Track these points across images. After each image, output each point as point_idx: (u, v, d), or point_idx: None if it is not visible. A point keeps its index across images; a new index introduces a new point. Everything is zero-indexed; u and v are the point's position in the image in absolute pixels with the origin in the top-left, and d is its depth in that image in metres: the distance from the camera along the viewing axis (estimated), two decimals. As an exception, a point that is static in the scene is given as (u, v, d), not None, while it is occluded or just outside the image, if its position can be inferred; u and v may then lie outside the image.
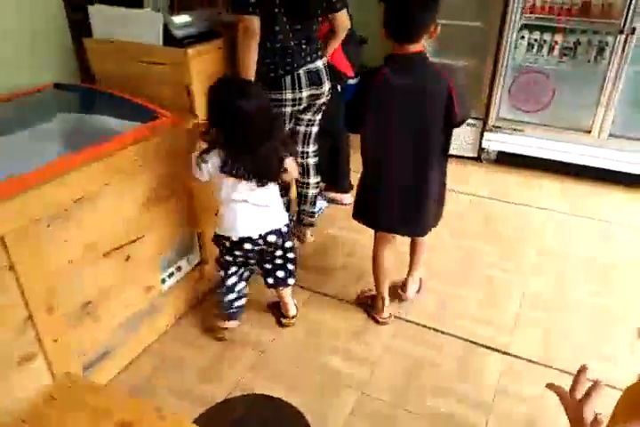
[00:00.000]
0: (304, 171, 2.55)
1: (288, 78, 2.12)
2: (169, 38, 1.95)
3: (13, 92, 1.94)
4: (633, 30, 2.87)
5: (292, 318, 2.14)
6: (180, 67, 1.91)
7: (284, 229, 1.90)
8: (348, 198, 3.07)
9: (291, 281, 2.05)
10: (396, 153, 1.82)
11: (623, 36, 2.91)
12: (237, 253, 1.88)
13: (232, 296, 1.99)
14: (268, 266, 2.00)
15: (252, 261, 1.97)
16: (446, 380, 1.87)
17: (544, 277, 2.43)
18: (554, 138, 3.27)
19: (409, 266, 2.26)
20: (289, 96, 2.15)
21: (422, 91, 1.70)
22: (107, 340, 1.82)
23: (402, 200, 1.89)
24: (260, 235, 1.83)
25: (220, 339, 2.05)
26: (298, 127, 2.40)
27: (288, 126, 2.30)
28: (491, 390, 1.82)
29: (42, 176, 1.45)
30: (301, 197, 2.62)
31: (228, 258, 1.92)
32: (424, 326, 2.12)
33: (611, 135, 3.14)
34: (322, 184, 2.83)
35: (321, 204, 2.95)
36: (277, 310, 2.17)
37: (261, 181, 1.74)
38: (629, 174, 3.14)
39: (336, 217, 2.92)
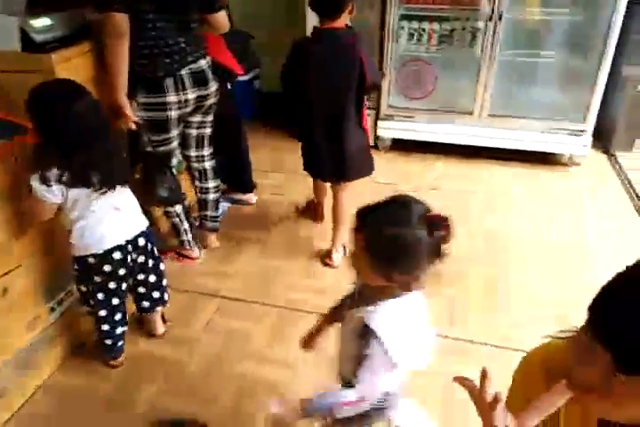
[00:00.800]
0: (201, 175, 2.48)
1: (170, 80, 2.03)
2: (29, 44, 1.79)
3: None
4: (500, 17, 3.07)
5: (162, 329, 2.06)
6: (44, 74, 1.76)
7: (147, 231, 1.80)
8: (253, 198, 3.04)
9: (167, 298, 1.97)
10: (317, 109, 2.22)
11: (492, 23, 3.10)
12: (105, 269, 1.69)
13: (109, 342, 1.85)
14: (142, 289, 1.89)
15: (117, 285, 1.77)
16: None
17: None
18: (441, 121, 3.44)
19: (332, 234, 2.47)
20: (173, 99, 2.06)
21: (336, 57, 2.11)
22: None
23: (327, 151, 2.29)
24: (128, 240, 1.71)
25: (114, 366, 1.92)
26: (189, 131, 2.32)
27: (177, 131, 2.21)
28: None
29: None
30: (202, 203, 2.54)
31: (87, 286, 1.75)
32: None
33: (490, 115, 3.35)
34: (222, 186, 2.77)
35: (223, 206, 2.89)
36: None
37: (113, 185, 1.60)
38: (508, 150, 3.37)
39: (241, 218, 2.88)
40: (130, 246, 1.73)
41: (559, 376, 0.71)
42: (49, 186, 1.49)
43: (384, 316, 1.04)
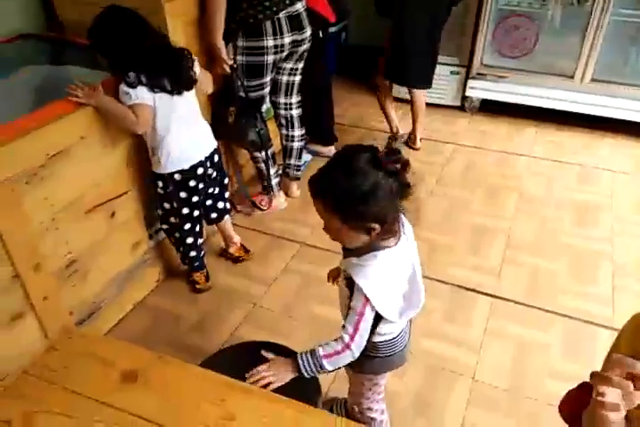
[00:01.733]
0: (288, 123, 2.49)
1: (268, 23, 2.02)
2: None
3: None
4: (618, -30, 2.80)
5: (243, 251, 2.21)
6: (152, 10, 1.79)
7: (217, 148, 1.90)
8: (333, 151, 3.03)
9: (229, 207, 2.11)
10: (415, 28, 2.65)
11: (608, -23, 2.83)
12: (190, 184, 1.80)
13: (194, 253, 2.00)
14: (209, 202, 1.99)
15: (198, 199, 1.87)
16: (437, 324, 1.91)
17: (527, 221, 2.46)
18: (537, 84, 3.23)
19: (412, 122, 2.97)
20: (270, 43, 2.06)
21: None
22: (97, 296, 1.80)
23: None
24: (206, 156, 1.83)
25: (199, 291, 2.06)
26: (280, 77, 2.32)
27: (271, 76, 2.22)
28: (480, 332, 1.88)
29: (13, 132, 1.37)
30: (287, 151, 2.57)
31: (171, 203, 1.84)
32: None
33: (593, 80, 3.11)
34: (306, 137, 2.78)
35: (306, 157, 2.90)
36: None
37: (184, 86, 1.68)
38: (611, 119, 3.14)
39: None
40: (208, 162, 1.84)
41: None
42: (134, 87, 1.58)
43: (368, 269, 1.05)
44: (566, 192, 2.68)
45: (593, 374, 0.71)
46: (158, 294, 2.07)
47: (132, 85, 1.57)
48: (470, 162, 2.96)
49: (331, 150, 3.02)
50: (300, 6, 2.10)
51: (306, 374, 1.06)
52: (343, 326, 1.08)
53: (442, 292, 2.06)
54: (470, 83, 3.39)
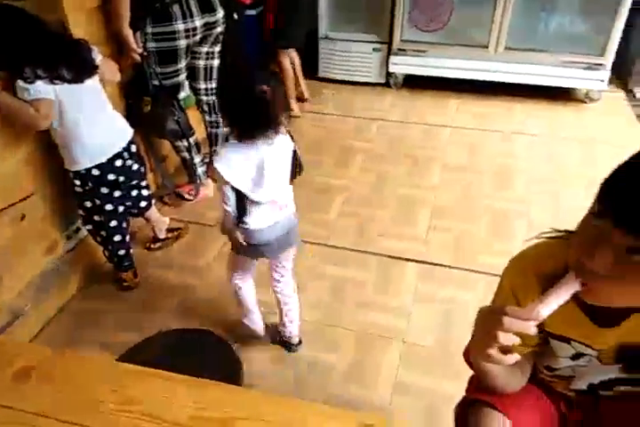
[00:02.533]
0: (210, 109, 2.47)
1: (176, 7, 1.99)
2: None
3: None
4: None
5: (173, 234, 2.22)
6: (50, 4, 1.74)
7: (133, 139, 1.86)
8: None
9: (153, 196, 2.10)
10: None
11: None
12: (110, 178, 1.75)
13: (122, 251, 1.95)
14: (135, 192, 1.95)
15: (121, 193, 1.83)
16: (368, 294, 1.99)
17: (451, 189, 2.56)
18: (455, 56, 3.33)
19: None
20: (181, 27, 2.03)
21: None
22: (15, 302, 1.74)
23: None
24: (124, 148, 1.79)
25: (128, 288, 2.02)
26: (197, 62, 2.29)
27: (186, 62, 2.19)
28: (409, 298, 1.96)
29: None
30: (212, 137, 2.55)
31: (93, 201, 1.80)
32: (345, 249, 2.21)
33: (507, 48, 3.23)
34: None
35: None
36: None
37: (83, 72, 1.63)
38: (526, 85, 3.28)
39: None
40: (126, 153, 1.80)
41: (555, 277, 0.72)
42: (32, 82, 1.52)
43: (223, 153, 1.41)
44: (486, 158, 2.80)
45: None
46: (83, 296, 2.02)
47: (29, 81, 1.52)
48: (397, 136, 3.04)
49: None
50: (208, -13, 2.08)
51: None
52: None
53: (372, 263, 2.13)
54: (392, 59, 3.46)
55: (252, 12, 3.70)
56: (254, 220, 1.48)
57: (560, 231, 0.82)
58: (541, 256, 0.83)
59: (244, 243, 1.50)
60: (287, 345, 1.78)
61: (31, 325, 1.84)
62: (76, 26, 1.82)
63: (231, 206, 1.43)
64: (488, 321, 0.72)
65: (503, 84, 3.30)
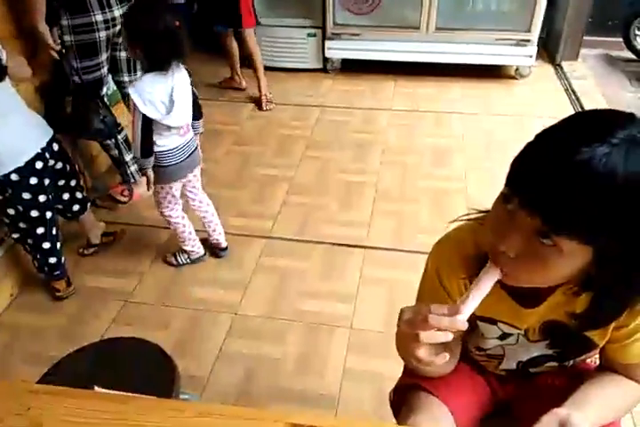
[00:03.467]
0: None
1: None
2: None
3: None
4: None
5: (108, 239, 2.15)
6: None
7: (56, 136, 1.77)
8: (200, 127, 2.95)
9: (88, 198, 2.04)
10: None
11: None
12: (32, 182, 1.65)
13: (53, 259, 1.85)
14: (66, 196, 1.87)
15: (46, 197, 1.73)
16: (315, 283, 1.98)
17: (392, 172, 2.58)
18: (388, 39, 3.34)
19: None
20: (99, 18, 1.94)
21: None
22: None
23: None
24: (43, 148, 1.69)
25: (61, 298, 1.93)
26: (118, 53, 2.18)
27: (107, 54, 2.09)
28: (354, 283, 1.98)
29: None
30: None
31: (16, 208, 1.69)
32: (290, 240, 2.20)
33: (437, 28, 3.26)
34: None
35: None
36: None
37: None
38: (459, 65, 3.33)
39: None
40: (47, 153, 1.70)
41: (477, 259, 0.72)
42: None
43: (138, 84, 1.61)
44: (424, 139, 2.83)
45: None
46: (15, 308, 1.91)
47: None
48: (337, 122, 3.03)
49: (198, 126, 2.94)
50: (123, -26, 1.99)
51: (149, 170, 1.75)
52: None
53: (317, 252, 2.13)
54: (327, 44, 3.43)
55: (181, 1, 3.58)
56: (165, 142, 1.73)
57: (482, 212, 0.82)
58: (463, 239, 0.83)
59: (164, 165, 1.74)
60: (216, 252, 2.10)
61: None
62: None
63: (140, 134, 1.64)
64: (412, 322, 0.69)
65: (437, 64, 3.33)
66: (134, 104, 1.58)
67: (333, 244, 2.16)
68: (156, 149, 1.72)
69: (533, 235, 0.62)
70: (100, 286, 2.00)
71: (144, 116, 1.61)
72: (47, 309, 1.91)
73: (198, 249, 2.05)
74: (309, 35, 3.48)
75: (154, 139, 1.70)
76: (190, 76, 1.73)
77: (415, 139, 2.84)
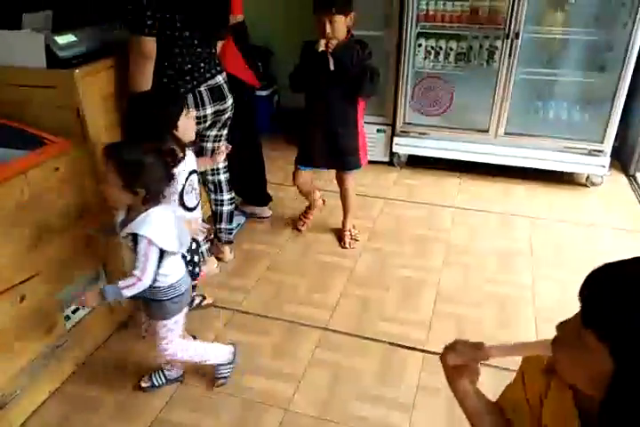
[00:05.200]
0: (216, 187, 2.51)
1: (190, 96, 2.08)
2: (53, 60, 1.86)
3: None
4: (517, 35, 3.08)
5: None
6: (67, 89, 1.82)
7: None
8: (267, 211, 3.06)
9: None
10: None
11: (509, 41, 3.11)
12: None
13: None
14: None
15: None
16: (370, 385, 1.90)
17: (454, 272, 2.53)
18: (456, 139, 3.44)
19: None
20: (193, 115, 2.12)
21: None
22: (7, 387, 1.67)
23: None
24: None
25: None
26: (205, 144, 2.36)
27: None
28: (412, 389, 1.87)
29: None
30: (217, 215, 2.58)
31: None
32: (346, 334, 2.15)
33: (507, 133, 3.34)
34: (237, 199, 2.80)
35: (238, 219, 2.92)
36: None
37: None
38: (525, 168, 3.35)
39: (256, 231, 2.91)
40: None
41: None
42: None
43: (145, 221, 1.50)
44: (489, 240, 2.79)
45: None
46: (77, 379, 1.94)
47: None
48: (399, 215, 3.05)
49: (264, 211, 3.06)
50: (220, 79, 2.19)
51: (109, 298, 1.50)
52: (135, 268, 1.50)
53: (373, 350, 2.06)
54: (396, 140, 3.57)
55: (263, 93, 3.90)
56: (177, 269, 1.65)
57: None
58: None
59: (168, 298, 1.63)
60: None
61: (22, 409, 1.75)
62: (91, 108, 1.86)
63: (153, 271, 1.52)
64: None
65: (504, 166, 3.37)
66: (147, 239, 1.48)
67: (391, 343, 2.09)
68: (161, 283, 1.59)
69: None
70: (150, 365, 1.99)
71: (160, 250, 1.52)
72: (106, 383, 1.92)
73: (228, 355, 1.90)
74: (379, 130, 3.65)
75: (160, 271, 1.57)
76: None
77: (479, 239, 2.80)
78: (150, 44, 1.88)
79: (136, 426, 1.75)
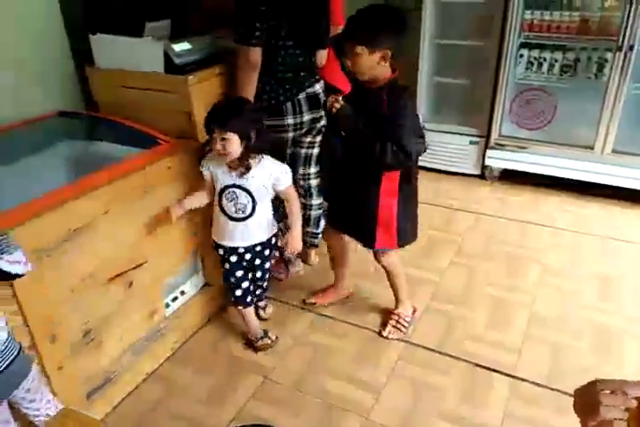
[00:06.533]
0: (306, 192, 2.56)
1: (289, 104, 2.14)
2: (170, 65, 1.98)
3: (19, 121, 1.97)
4: (631, 47, 2.88)
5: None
6: (181, 94, 1.94)
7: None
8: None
9: (267, 288, 2.24)
10: None
11: (622, 54, 2.92)
12: (232, 259, 1.98)
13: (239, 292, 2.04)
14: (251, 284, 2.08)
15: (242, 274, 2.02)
16: (453, 405, 1.84)
17: (549, 295, 2.40)
18: (557, 155, 3.26)
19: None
20: (290, 121, 2.17)
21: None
22: (111, 366, 1.82)
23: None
24: (245, 247, 1.97)
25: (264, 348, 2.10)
26: (298, 150, 2.41)
27: (289, 150, 2.32)
28: (498, 415, 1.79)
29: (41, 206, 1.46)
30: (304, 219, 2.62)
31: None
32: (430, 350, 2.10)
33: (614, 151, 3.12)
34: (325, 204, 2.83)
35: (324, 224, 2.94)
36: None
37: None
38: (633, 190, 3.11)
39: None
40: (247, 252, 1.98)
41: None
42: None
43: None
44: (588, 265, 2.62)
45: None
46: (172, 363, 2.06)
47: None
48: (491, 231, 2.94)
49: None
50: (318, 87, 2.24)
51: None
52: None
53: (457, 369, 2.00)
54: (489, 153, 3.45)
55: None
56: None
57: None
58: None
59: None
60: None
61: (121, 388, 1.89)
62: (200, 114, 1.96)
63: None
64: None
65: (609, 186, 3.15)
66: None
67: (476, 364, 2.01)
68: None
69: None
70: (249, 359, 2.08)
71: None
72: (199, 369, 2.04)
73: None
74: (471, 142, 3.54)
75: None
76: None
77: (577, 263, 2.64)
78: (257, 54, 1.96)
79: (224, 413, 1.83)
